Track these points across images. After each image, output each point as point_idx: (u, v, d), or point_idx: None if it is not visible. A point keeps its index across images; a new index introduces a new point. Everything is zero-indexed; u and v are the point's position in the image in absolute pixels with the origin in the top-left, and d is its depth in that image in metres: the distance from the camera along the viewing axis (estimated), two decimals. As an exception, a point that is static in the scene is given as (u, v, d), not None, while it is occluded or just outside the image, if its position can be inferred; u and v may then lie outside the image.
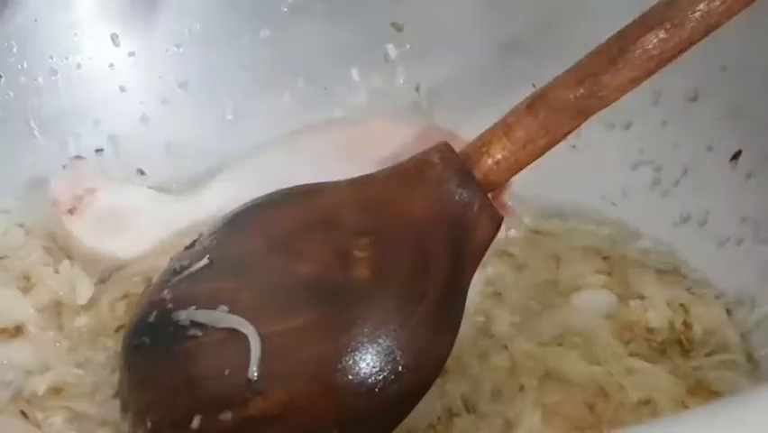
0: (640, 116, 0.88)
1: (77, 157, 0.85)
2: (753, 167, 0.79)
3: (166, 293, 0.64)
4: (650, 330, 0.72)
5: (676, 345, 0.71)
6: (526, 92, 0.68)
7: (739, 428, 0.36)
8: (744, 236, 0.78)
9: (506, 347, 0.70)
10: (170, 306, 0.63)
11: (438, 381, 0.63)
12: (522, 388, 0.66)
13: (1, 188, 0.87)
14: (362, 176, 0.71)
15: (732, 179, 0.80)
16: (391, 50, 1.02)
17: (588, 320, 0.72)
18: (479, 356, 0.70)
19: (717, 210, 0.81)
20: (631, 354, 0.70)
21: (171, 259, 0.69)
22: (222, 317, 0.60)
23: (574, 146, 0.89)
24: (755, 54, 0.79)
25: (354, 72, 1.03)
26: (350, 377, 0.57)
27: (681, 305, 0.74)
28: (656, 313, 0.73)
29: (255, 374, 0.57)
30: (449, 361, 0.63)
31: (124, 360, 0.64)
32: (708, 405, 0.43)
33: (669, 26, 0.63)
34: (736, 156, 0.80)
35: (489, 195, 0.70)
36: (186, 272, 0.65)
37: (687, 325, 0.72)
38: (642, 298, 0.75)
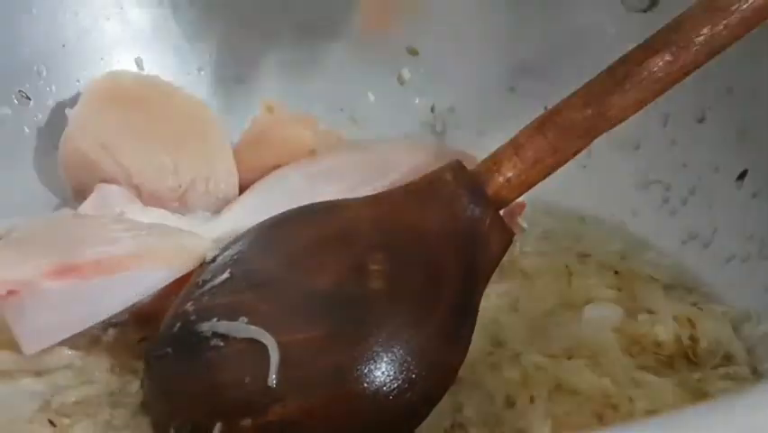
0: (649, 137, 0.91)
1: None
2: (758, 186, 0.81)
3: (189, 306, 0.66)
4: (658, 344, 0.73)
5: (683, 358, 0.72)
6: (538, 114, 0.70)
7: (732, 425, 0.38)
8: (749, 254, 0.79)
9: (517, 359, 0.71)
10: (193, 318, 0.65)
11: (451, 390, 0.65)
12: (532, 399, 0.67)
13: (32, 208, 0.90)
14: (378, 193, 0.74)
15: (738, 198, 0.82)
16: (406, 73, 1.05)
17: (597, 334, 0.73)
18: (491, 367, 0.71)
19: (723, 228, 0.83)
20: (639, 367, 0.71)
21: (194, 273, 0.71)
22: (242, 328, 0.62)
23: (585, 165, 0.91)
24: (761, 76, 0.80)
25: (370, 95, 1.05)
26: (365, 385, 0.58)
27: (689, 319, 0.75)
28: (664, 327, 0.74)
29: (274, 382, 0.59)
30: (462, 371, 0.65)
31: (148, 370, 0.66)
32: (703, 404, 0.44)
33: (674, 49, 0.65)
34: (742, 176, 0.82)
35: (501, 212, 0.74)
36: (208, 286, 0.68)
37: (693, 339, 0.73)
38: (650, 312, 0.76)
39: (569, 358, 0.71)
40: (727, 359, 0.72)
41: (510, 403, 0.68)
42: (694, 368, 0.71)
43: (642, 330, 0.74)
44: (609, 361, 0.71)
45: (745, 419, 0.38)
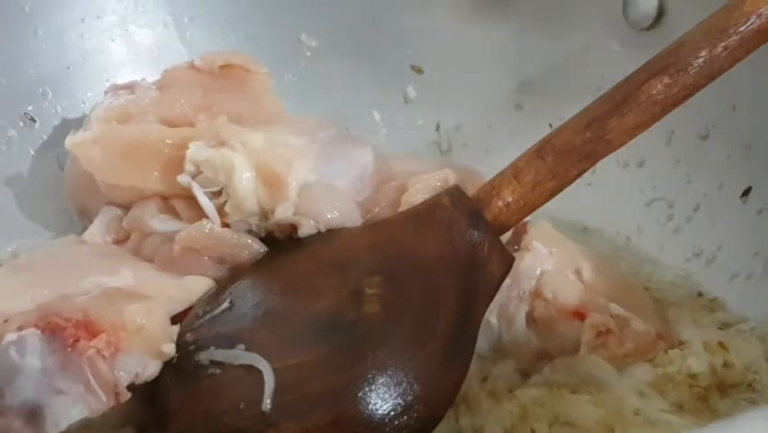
0: (653, 154, 0.90)
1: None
2: (763, 203, 0.80)
3: (188, 336, 0.67)
4: (692, 376, 0.71)
5: (716, 390, 0.71)
6: (543, 132, 0.71)
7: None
8: (754, 270, 0.79)
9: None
10: (192, 347, 0.65)
11: (451, 414, 0.65)
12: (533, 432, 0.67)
13: (37, 230, 0.90)
14: (376, 220, 0.75)
15: (743, 215, 0.82)
16: (411, 91, 1.05)
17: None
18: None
19: (728, 245, 0.83)
20: (671, 404, 0.69)
21: (195, 305, 0.71)
22: (238, 355, 0.62)
23: (590, 184, 0.90)
24: (766, 94, 0.80)
25: (376, 114, 1.05)
26: (361, 409, 0.58)
27: (720, 344, 0.73)
28: (697, 359, 0.72)
29: (269, 407, 0.59)
30: (461, 396, 0.65)
31: (147, 399, 0.66)
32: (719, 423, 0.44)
33: (673, 72, 0.66)
34: (746, 192, 0.82)
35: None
36: (207, 316, 0.68)
37: (727, 364, 0.71)
38: (680, 342, 0.74)
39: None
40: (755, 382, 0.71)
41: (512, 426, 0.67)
42: (725, 395, 0.70)
43: (675, 366, 0.71)
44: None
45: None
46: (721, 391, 0.70)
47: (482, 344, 0.74)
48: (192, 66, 0.89)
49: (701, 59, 0.65)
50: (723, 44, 0.65)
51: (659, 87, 0.66)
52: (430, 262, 0.67)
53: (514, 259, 0.70)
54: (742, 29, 0.65)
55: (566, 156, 0.68)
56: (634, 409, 0.67)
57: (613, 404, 0.67)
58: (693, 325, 0.77)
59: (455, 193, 0.70)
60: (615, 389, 0.69)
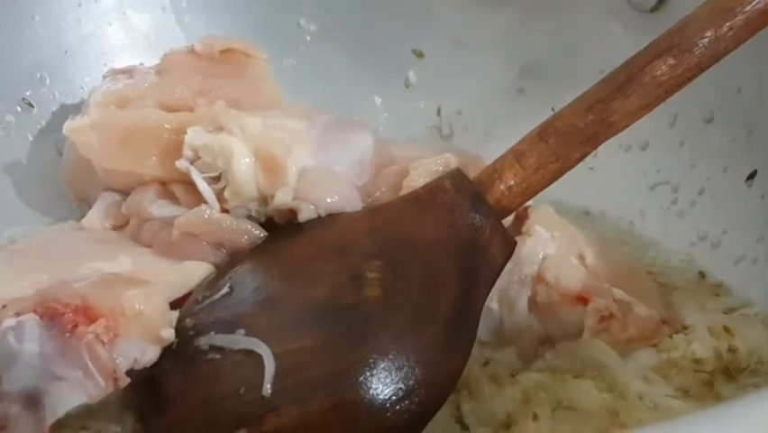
0: (657, 138, 0.90)
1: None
2: (768, 187, 0.80)
3: (188, 321, 0.66)
4: (697, 361, 0.70)
5: (722, 373, 0.70)
6: (545, 116, 0.70)
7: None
8: (758, 255, 0.78)
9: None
10: (191, 333, 0.65)
11: (452, 399, 0.64)
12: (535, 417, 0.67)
13: (35, 216, 0.90)
14: (377, 204, 0.74)
15: (748, 199, 0.81)
16: (412, 76, 1.04)
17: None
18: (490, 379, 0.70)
19: (732, 229, 0.82)
20: (676, 390, 0.68)
21: (194, 290, 0.71)
22: (238, 340, 0.62)
23: (592, 168, 0.90)
24: (770, 76, 0.79)
25: (376, 98, 1.05)
26: (362, 393, 0.58)
27: (725, 328, 0.72)
28: (701, 344, 0.71)
29: (269, 391, 0.58)
30: (463, 381, 0.65)
31: (147, 385, 0.65)
32: (718, 406, 0.44)
33: (677, 53, 0.65)
34: (751, 176, 0.81)
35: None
36: (207, 302, 0.68)
37: (732, 349, 0.71)
38: (684, 327, 0.74)
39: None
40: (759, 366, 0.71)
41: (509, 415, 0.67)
42: (730, 380, 0.70)
43: (679, 351, 0.71)
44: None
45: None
46: (726, 376, 0.69)
47: (483, 330, 0.73)
48: (191, 51, 0.88)
49: (706, 40, 0.64)
50: (728, 24, 0.64)
51: (663, 68, 0.65)
52: (431, 245, 0.66)
53: (516, 243, 0.70)
54: (747, 9, 0.64)
55: (569, 139, 0.67)
56: (638, 394, 0.66)
57: (617, 389, 0.67)
58: (698, 309, 0.77)
59: (457, 176, 0.70)
60: (618, 374, 0.68)
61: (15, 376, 0.59)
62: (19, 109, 0.92)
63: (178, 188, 0.77)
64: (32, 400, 0.59)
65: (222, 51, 0.87)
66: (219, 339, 0.63)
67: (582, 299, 0.71)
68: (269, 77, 0.88)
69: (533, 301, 0.73)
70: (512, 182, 0.68)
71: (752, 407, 0.41)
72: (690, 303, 0.78)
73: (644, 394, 0.66)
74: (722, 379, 0.69)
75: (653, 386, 0.67)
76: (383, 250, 0.67)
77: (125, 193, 0.80)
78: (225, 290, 0.68)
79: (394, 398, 0.58)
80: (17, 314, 0.60)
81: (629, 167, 0.92)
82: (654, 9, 0.88)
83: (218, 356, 0.62)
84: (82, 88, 0.96)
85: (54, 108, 0.94)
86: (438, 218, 0.68)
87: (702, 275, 0.83)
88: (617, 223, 0.92)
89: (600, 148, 0.69)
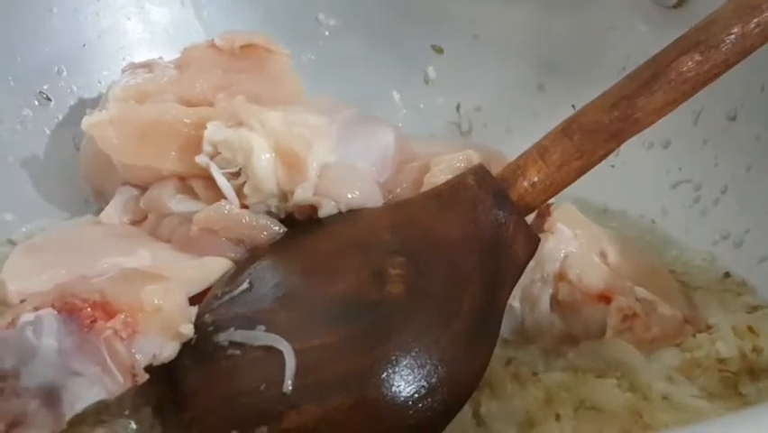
0: (679, 135, 0.89)
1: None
2: (792, 186, 0.78)
3: (207, 317, 0.66)
4: (721, 360, 0.69)
5: (747, 374, 0.69)
6: (566, 113, 0.69)
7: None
8: (783, 254, 0.77)
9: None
10: (211, 328, 0.64)
11: (474, 397, 0.64)
12: (558, 417, 0.66)
13: (52, 210, 0.89)
14: (399, 200, 0.73)
15: (771, 198, 0.80)
16: (431, 71, 1.04)
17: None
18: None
19: (756, 228, 0.81)
20: (700, 390, 0.67)
21: (213, 286, 0.70)
22: (258, 336, 0.62)
23: (613, 165, 0.90)
24: (796, 73, 0.78)
25: (395, 94, 1.04)
26: (384, 390, 0.57)
27: (750, 328, 0.71)
28: (725, 344, 0.70)
29: (290, 388, 0.58)
30: (484, 379, 0.64)
31: (165, 381, 0.65)
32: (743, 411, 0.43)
33: (704, 49, 0.64)
34: (775, 175, 0.80)
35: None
36: (226, 297, 0.67)
37: (757, 349, 0.70)
38: (708, 327, 0.73)
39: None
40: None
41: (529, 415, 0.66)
42: (755, 380, 0.68)
43: (703, 351, 0.70)
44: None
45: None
46: (751, 377, 0.68)
47: (505, 328, 0.73)
48: (212, 45, 0.87)
49: (733, 36, 0.64)
50: (756, 21, 0.64)
51: (690, 64, 0.64)
52: (454, 242, 0.66)
53: (539, 240, 0.69)
54: (777, 5, 0.63)
55: (593, 135, 0.66)
56: (662, 395, 0.65)
57: (640, 389, 0.66)
58: (721, 309, 0.76)
59: (480, 172, 0.69)
60: (641, 374, 0.67)
61: (34, 372, 0.58)
62: (36, 103, 0.91)
63: (197, 183, 0.76)
64: (51, 396, 0.58)
65: (242, 46, 0.87)
66: (239, 335, 0.62)
67: (605, 298, 0.70)
68: (291, 72, 0.88)
69: (555, 300, 0.73)
70: (536, 179, 0.67)
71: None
72: (713, 302, 0.77)
73: (667, 394, 0.65)
74: (747, 379, 0.68)
75: (678, 386, 0.66)
76: (405, 246, 0.66)
77: (144, 188, 0.80)
78: (245, 285, 0.67)
79: (416, 396, 0.57)
80: (35, 309, 0.60)
81: (651, 165, 0.91)
82: (677, 5, 0.87)
83: (238, 352, 0.61)
84: (100, 82, 0.95)
85: (72, 102, 0.94)
86: (461, 215, 0.67)
87: (726, 274, 0.82)
88: (639, 221, 0.91)
89: (622, 146, 0.69)
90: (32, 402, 0.58)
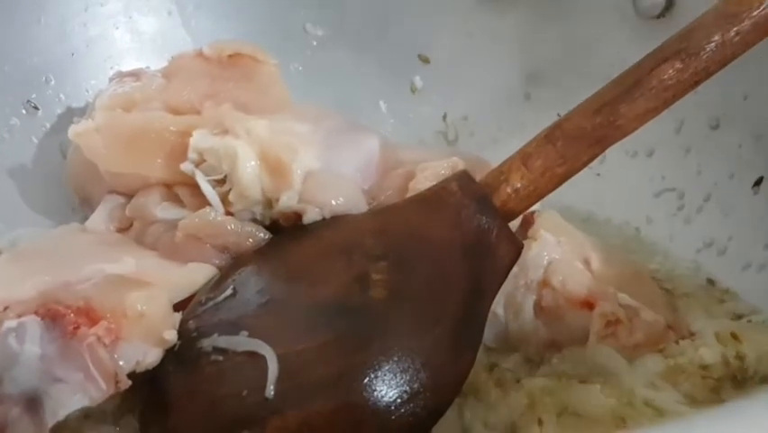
0: (663, 144, 0.89)
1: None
2: (775, 193, 0.79)
3: (191, 323, 0.66)
4: (704, 367, 0.69)
5: (730, 380, 0.69)
6: (551, 122, 0.70)
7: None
8: (766, 261, 0.78)
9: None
10: (194, 334, 0.65)
11: (458, 403, 0.64)
12: (541, 422, 0.66)
13: (38, 219, 0.89)
14: (384, 206, 0.74)
15: (754, 206, 0.80)
16: (418, 81, 1.04)
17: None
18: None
19: (739, 236, 0.82)
20: (685, 396, 0.67)
21: (198, 293, 0.70)
22: (241, 342, 0.62)
23: (598, 174, 0.90)
24: (778, 82, 0.79)
25: (382, 104, 1.05)
26: (366, 395, 0.57)
27: (733, 334, 0.71)
28: (709, 350, 0.70)
29: (272, 393, 0.58)
30: (468, 386, 0.64)
31: (149, 387, 0.65)
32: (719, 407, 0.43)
33: (684, 56, 0.65)
34: (758, 183, 0.80)
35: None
36: (210, 303, 0.67)
37: (740, 356, 0.69)
38: (691, 333, 0.73)
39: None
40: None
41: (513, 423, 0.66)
42: (738, 387, 0.68)
43: (686, 357, 0.70)
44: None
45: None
46: (734, 383, 0.68)
47: (489, 335, 0.73)
48: (200, 54, 0.88)
49: (713, 44, 0.64)
50: (735, 29, 0.64)
51: (670, 71, 0.65)
52: (437, 247, 0.66)
53: (522, 245, 0.69)
54: (755, 14, 0.64)
55: (576, 141, 0.67)
56: (644, 400, 0.65)
57: (623, 395, 0.66)
58: (704, 315, 0.76)
59: (463, 178, 0.70)
60: (625, 380, 0.67)
61: (16, 378, 0.58)
62: (24, 112, 0.91)
63: (183, 190, 0.76)
64: (33, 403, 0.59)
65: (230, 56, 0.87)
66: (222, 341, 0.62)
67: (588, 304, 0.71)
68: (279, 81, 0.88)
69: (539, 306, 0.73)
70: (519, 185, 0.67)
71: (750, 409, 0.41)
72: (697, 309, 0.77)
73: (650, 400, 0.65)
74: (730, 386, 0.68)
75: (661, 392, 0.66)
76: (389, 251, 0.66)
77: (129, 196, 0.80)
78: (229, 291, 0.68)
79: (399, 401, 0.57)
80: (19, 315, 0.60)
81: (635, 173, 0.91)
82: (661, 16, 0.87)
83: (221, 358, 0.62)
84: (87, 91, 0.95)
85: (59, 111, 0.94)
86: (444, 220, 0.67)
87: (709, 282, 0.82)
88: (624, 229, 0.92)
89: (607, 154, 0.69)
90: (14, 409, 0.58)
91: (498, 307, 0.73)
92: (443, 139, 1.04)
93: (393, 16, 1.04)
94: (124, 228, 0.79)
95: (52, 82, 0.93)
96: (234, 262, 0.72)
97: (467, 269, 0.65)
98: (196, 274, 0.71)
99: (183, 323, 0.66)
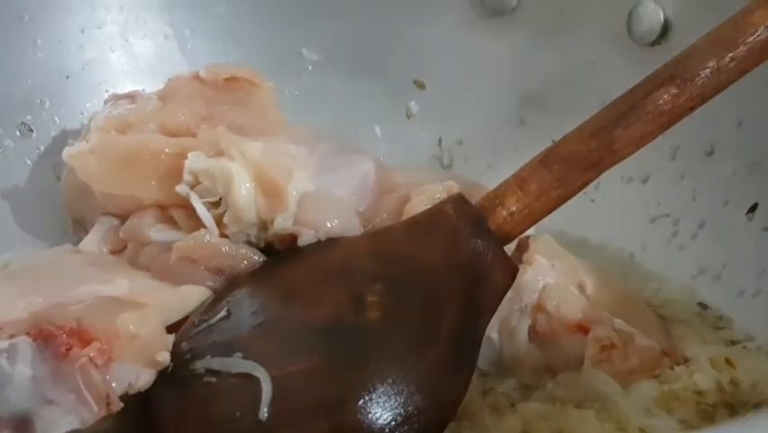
0: (658, 170, 0.89)
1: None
2: (769, 220, 0.79)
3: (184, 345, 0.65)
4: (699, 393, 0.69)
5: (725, 407, 0.69)
6: (546, 146, 0.70)
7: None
8: (761, 288, 0.78)
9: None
10: (188, 356, 0.64)
11: (452, 427, 0.64)
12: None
13: (32, 240, 0.89)
14: (379, 228, 0.74)
15: (749, 232, 0.80)
16: (413, 106, 1.04)
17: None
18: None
19: (733, 262, 0.81)
20: (680, 422, 0.67)
21: (191, 314, 0.70)
22: (235, 363, 0.61)
23: (593, 199, 0.90)
24: (772, 109, 0.79)
25: (377, 129, 1.05)
26: (360, 418, 0.57)
27: (727, 360, 0.71)
28: (703, 376, 0.70)
29: (266, 415, 0.57)
30: (463, 410, 0.64)
31: (141, 409, 0.64)
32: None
33: (680, 82, 0.65)
34: (752, 209, 0.80)
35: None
36: (204, 325, 0.67)
37: (735, 382, 0.70)
38: (685, 359, 0.73)
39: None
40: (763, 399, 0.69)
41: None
42: (733, 414, 0.68)
43: (681, 383, 0.70)
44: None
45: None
46: (729, 410, 0.68)
47: (483, 360, 0.72)
48: (196, 76, 0.88)
49: (708, 70, 0.65)
50: (730, 55, 0.65)
51: (666, 96, 0.65)
52: (432, 269, 0.66)
53: (518, 269, 0.69)
54: (750, 40, 0.65)
55: (572, 166, 0.67)
56: (639, 427, 0.65)
57: (618, 420, 0.66)
58: (699, 342, 0.76)
59: (458, 201, 0.69)
60: (619, 405, 0.67)
61: (6, 399, 0.58)
62: (18, 134, 0.92)
63: (177, 212, 0.76)
64: (23, 424, 0.58)
65: (226, 79, 0.87)
66: (216, 363, 0.62)
67: (583, 328, 0.70)
68: (275, 105, 0.88)
69: (533, 330, 0.72)
70: (514, 208, 0.67)
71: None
72: (692, 335, 0.77)
73: (645, 427, 0.65)
74: (724, 412, 0.68)
75: (655, 418, 0.66)
76: (384, 273, 0.66)
77: (124, 218, 0.80)
78: (223, 313, 0.67)
79: (393, 423, 0.57)
80: (10, 336, 0.59)
81: (630, 199, 0.91)
82: (656, 43, 0.88)
83: (214, 380, 0.61)
84: (82, 114, 0.96)
85: (54, 133, 0.94)
86: (439, 243, 0.67)
87: (704, 308, 0.82)
88: (618, 255, 0.91)
89: (602, 180, 0.69)
90: (5, 431, 0.57)
91: (492, 331, 0.73)
92: (438, 163, 1.04)
93: (389, 42, 1.04)
94: (118, 250, 0.79)
95: (47, 104, 0.93)
96: (229, 284, 0.72)
97: (462, 291, 0.65)
98: (190, 296, 0.71)
99: (176, 345, 0.65)
